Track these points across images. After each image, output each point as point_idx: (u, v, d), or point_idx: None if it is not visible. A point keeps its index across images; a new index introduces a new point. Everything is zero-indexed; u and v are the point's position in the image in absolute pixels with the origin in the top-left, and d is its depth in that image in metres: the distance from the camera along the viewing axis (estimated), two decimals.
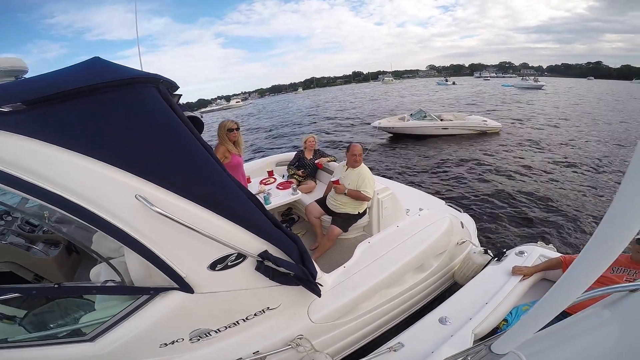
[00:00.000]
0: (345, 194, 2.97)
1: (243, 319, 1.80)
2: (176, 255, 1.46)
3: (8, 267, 2.34)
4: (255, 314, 1.83)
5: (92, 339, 1.57)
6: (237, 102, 56.45)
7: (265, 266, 1.61)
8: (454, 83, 57.34)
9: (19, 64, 2.06)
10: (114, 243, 1.69)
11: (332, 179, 3.08)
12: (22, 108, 1.14)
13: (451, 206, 3.33)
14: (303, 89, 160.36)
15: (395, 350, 1.72)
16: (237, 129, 3.13)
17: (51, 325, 1.82)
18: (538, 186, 6.69)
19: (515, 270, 2.26)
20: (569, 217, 5.24)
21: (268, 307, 1.86)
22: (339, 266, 2.29)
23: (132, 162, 1.28)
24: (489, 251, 2.64)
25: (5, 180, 1.14)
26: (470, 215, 3.70)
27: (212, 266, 1.55)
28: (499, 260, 2.48)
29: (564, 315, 1.26)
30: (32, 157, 1.16)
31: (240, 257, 1.60)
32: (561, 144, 10.55)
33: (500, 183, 7.01)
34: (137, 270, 1.55)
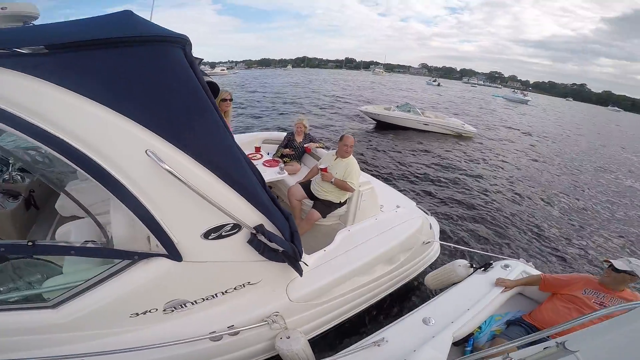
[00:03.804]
0: (331, 182, 3.02)
1: (222, 292, 1.79)
2: (172, 219, 1.41)
3: None
4: (235, 288, 1.82)
5: (54, 306, 1.47)
6: (222, 69, 53.47)
7: (257, 240, 1.60)
8: (439, 85, 59.53)
9: (30, 9, 1.90)
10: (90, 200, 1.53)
11: (320, 166, 3.11)
12: (43, 52, 1.10)
13: (421, 209, 3.52)
14: (292, 67, 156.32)
15: (378, 345, 1.76)
16: (231, 99, 3.15)
17: (0, 289, 1.66)
18: (501, 199, 6.74)
19: (499, 282, 2.38)
20: (532, 233, 5.36)
21: (249, 282, 1.86)
22: (313, 250, 2.32)
23: (148, 117, 1.25)
24: (474, 264, 2.80)
25: (7, 120, 1.08)
26: (435, 217, 3.96)
27: (206, 235, 1.52)
28: (485, 270, 2.62)
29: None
30: (42, 100, 1.11)
31: (236, 228, 1.58)
32: (532, 160, 10.94)
33: (463, 185, 7.30)
34: (121, 232, 1.47)
